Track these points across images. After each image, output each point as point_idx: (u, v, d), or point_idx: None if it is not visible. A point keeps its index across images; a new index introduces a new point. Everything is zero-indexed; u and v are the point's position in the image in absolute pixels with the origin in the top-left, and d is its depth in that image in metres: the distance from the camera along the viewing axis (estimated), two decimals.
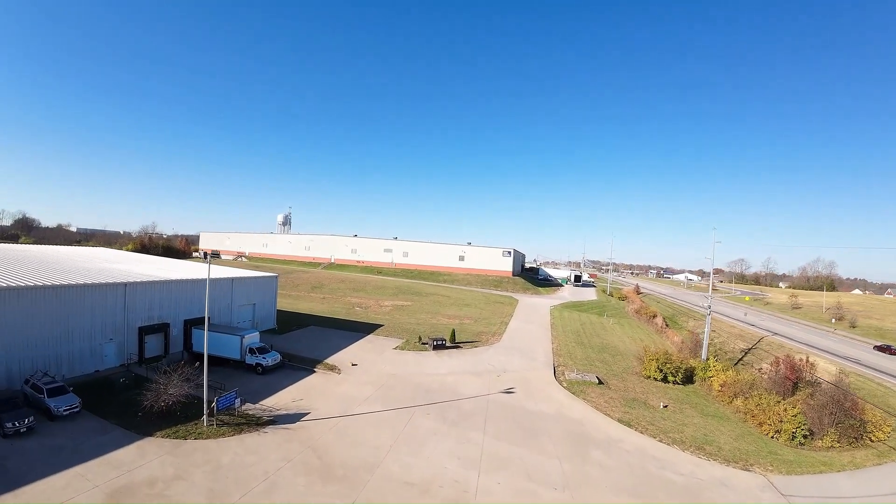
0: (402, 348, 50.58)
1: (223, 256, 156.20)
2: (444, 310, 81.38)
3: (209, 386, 34.47)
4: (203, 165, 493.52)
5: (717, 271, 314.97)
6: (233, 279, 49.68)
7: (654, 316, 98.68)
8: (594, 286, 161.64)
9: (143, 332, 39.75)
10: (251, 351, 40.14)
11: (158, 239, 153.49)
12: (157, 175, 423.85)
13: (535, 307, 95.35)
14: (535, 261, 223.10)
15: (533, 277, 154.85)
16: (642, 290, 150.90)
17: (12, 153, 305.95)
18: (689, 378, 48.75)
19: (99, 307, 36.23)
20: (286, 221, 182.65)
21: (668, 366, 47.17)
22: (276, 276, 58.67)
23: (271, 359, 40.19)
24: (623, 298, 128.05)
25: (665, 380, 46.79)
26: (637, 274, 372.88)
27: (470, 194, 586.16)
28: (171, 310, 42.26)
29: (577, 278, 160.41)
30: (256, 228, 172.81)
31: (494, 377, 42.70)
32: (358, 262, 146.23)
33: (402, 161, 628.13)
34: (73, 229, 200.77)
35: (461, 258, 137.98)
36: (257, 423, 29.41)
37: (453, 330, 55.33)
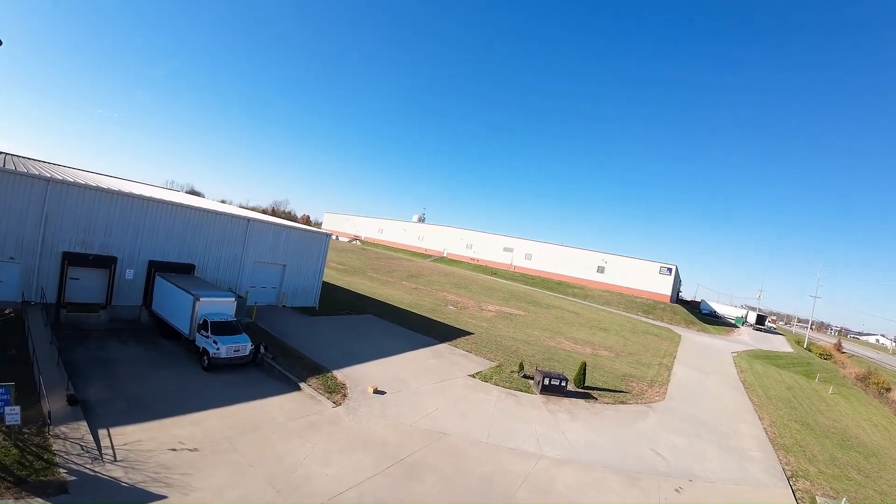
0: (484, 378, 27.90)
1: (341, 238, 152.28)
2: (569, 330, 55.75)
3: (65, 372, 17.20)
4: (354, 158, 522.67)
5: None
6: (249, 220, 33.16)
7: (889, 390, 59.41)
8: (781, 334, 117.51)
9: (69, 261, 24.87)
10: (204, 326, 22.11)
11: (282, 213, 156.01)
12: (313, 167, 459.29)
13: (707, 349, 62.97)
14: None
15: (693, 310, 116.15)
16: (844, 350, 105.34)
17: (192, 134, 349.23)
18: None
19: None
20: (420, 221, 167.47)
21: None
22: (328, 235, 41.17)
23: (227, 347, 21.45)
24: (826, 356, 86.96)
25: None
26: (817, 329, 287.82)
27: (611, 204, 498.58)
28: (126, 239, 26.76)
29: (761, 320, 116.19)
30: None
31: (670, 491, 17.28)
32: (472, 259, 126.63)
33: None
34: (235, 205, 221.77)
35: (600, 269, 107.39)
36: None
37: (584, 364, 30.39)
